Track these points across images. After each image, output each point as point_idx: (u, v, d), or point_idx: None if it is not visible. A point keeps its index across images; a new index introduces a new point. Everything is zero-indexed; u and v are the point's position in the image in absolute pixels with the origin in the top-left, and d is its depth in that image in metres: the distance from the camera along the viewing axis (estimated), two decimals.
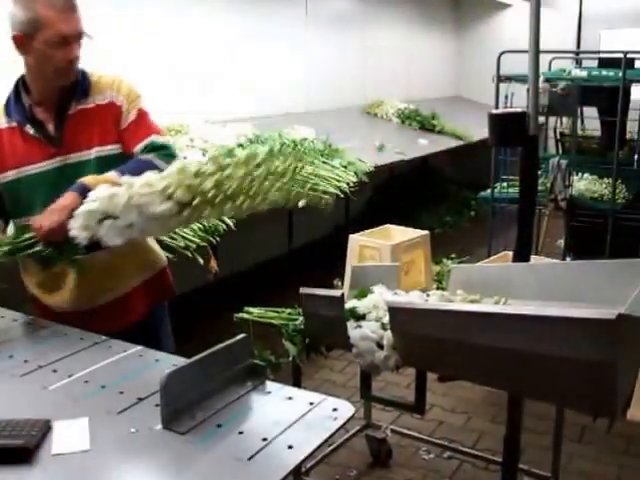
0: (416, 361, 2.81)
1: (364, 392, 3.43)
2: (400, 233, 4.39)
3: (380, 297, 3.17)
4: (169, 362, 2.44)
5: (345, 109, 9.17)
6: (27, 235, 2.75)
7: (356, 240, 4.26)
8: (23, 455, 1.86)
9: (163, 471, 1.91)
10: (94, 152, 2.93)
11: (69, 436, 1.97)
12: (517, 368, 2.34)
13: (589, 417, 4.52)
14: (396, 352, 2.78)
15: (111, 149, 2.96)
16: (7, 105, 2.91)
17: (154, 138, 2.98)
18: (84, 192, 2.65)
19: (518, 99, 5.72)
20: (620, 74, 5.70)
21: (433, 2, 11.80)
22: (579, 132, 6.70)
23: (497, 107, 6.07)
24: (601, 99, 6.21)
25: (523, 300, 2.85)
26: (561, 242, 6.79)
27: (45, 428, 1.97)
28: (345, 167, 6.16)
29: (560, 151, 7.01)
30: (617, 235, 5.75)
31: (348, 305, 3.11)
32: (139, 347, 2.63)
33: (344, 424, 2.09)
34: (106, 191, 2.56)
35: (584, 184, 6.25)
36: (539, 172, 5.47)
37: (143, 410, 2.14)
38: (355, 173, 6.09)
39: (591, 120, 6.99)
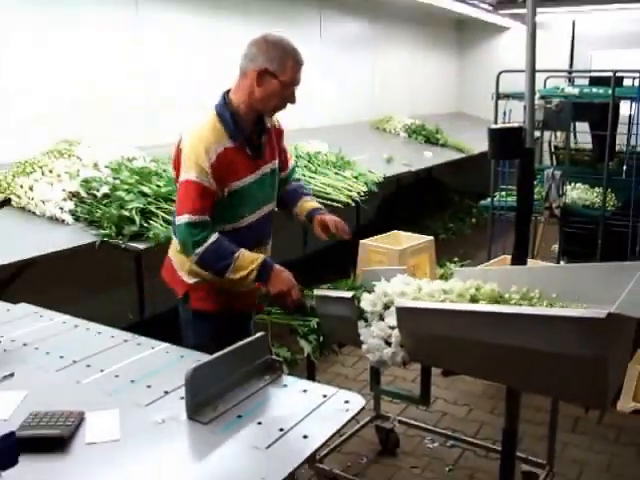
0: (421, 357, 2.80)
1: (374, 385, 3.42)
2: (407, 239, 4.37)
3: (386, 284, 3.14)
4: (193, 358, 2.43)
5: (356, 124, 9.18)
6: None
7: (366, 245, 4.25)
8: (59, 444, 1.87)
9: (187, 458, 1.91)
10: (271, 165, 3.45)
11: (101, 426, 1.97)
12: (515, 363, 2.33)
13: (582, 409, 4.56)
14: (403, 349, 2.78)
15: (276, 162, 3.51)
16: (228, 129, 3.22)
17: (293, 161, 3.88)
18: None
19: (515, 115, 5.72)
20: (610, 91, 5.68)
21: (437, 25, 11.80)
22: (572, 145, 6.67)
23: (496, 122, 6.06)
24: (592, 114, 6.18)
25: None
26: (555, 247, 6.76)
27: (79, 419, 1.98)
28: (356, 178, 6.17)
29: (554, 163, 6.98)
30: (607, 240, 5.73)
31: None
32: (166, 344, 2.64)
33: (355, 415, 2.09)
34: (399, 286, 2.97)
35: (577, 193, 6.23)
36: (535, 182, 5.45)
37: (169, 402, 2.14)
38: (365, 183, 6.10)
39: (583, 134, 6.96)
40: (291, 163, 3.77)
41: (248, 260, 3.17)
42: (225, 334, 2.93)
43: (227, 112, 3.23)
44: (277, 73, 3.17)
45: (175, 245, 3.44)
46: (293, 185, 3.76)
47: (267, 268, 3.20)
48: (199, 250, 3.11)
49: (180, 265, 3.43)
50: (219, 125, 3.21)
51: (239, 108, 3.25)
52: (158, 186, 4.54)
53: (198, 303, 3.42)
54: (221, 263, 3.14)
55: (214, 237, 3.14)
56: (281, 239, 3.77)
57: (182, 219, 3.13)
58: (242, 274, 3.15)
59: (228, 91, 3.31)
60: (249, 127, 3.30)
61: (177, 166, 3.26)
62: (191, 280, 3.40)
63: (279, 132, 3.55)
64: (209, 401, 2.08)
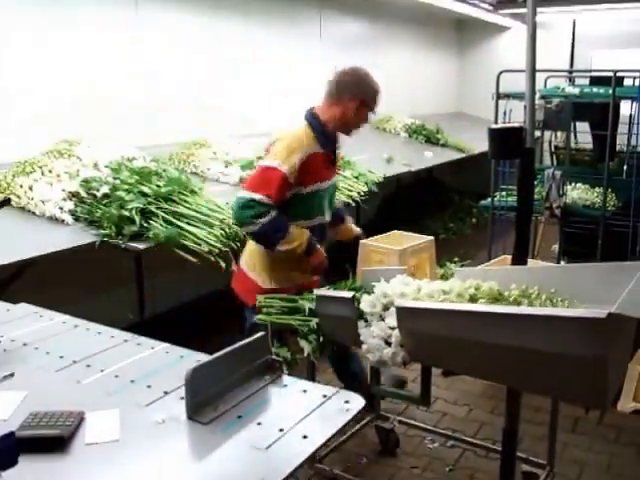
0: (422, 357, 2.80)
1: (374, 385, 3.42)
2: (407, 238, 4.37)
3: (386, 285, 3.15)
4: (193, 358, 2.43)
5: None
6: None
7: (366, 245, 4.25)
8: (59, 444, 1.86)
9: (187, 458, 1.91)
10: (336, 178, 4.15)
11: (101, 426, 1.97)
12: (515, 363, 2.33)
13: (582, 409, 4.56)
14: (403, 349, 2.78)
15: (338, 177, 4.32)
16: (320, 138, 3.86)
17: None
18: None
19: (516, 115, 5.72)
20: (610, 91, 5.68)
21: (437, 25, 11.82)
22: (572, 145, 6.67)
23: (496, 122, 6.06)
24: (593, 114, 6.18)
25: None
26: (556, 247, 6.76)
27: (79, 419, 1.97)
28: (356, 178, 6.17)
29: (555, 163, 6.98)
30: (607, 240, 5.73)
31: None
32: (166, 344, 2.63)
33: (355, 415, 2.09)
34: (399, 286, 3.01)
35: (577, 193, 6.23)
36: (535, 182, 5.45)
37: (169, 402, 2.14)
38: (366, 183, 6.11)
39: (583, 134, 6.97)
40: None
41: (299, 233, 3.75)
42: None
43: (318, 125, 3.85)
44: (369, 103, 3.86)
45: (248, 248, 4.04)
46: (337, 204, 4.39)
47: (313, 243, 3.82)
48: (264, 220, 3.59)
49: (253, 269, 3.95)
50: (311, 133, 3.83)
51: (327, 125, 3.87)
52: (158, 186, 4.53)
53: None
54: (279, 234, 3.66)
55: (276, 211, 3.63)
56: None
57: (255, 195, 3.59)
58: (295, 244, 3.71)
59: (312, 108, 3.93)
60: (333, 141, 3.96)
61: None
62: (266, 285, 3.90)
63: None
64: (209, 401, 2.08)
